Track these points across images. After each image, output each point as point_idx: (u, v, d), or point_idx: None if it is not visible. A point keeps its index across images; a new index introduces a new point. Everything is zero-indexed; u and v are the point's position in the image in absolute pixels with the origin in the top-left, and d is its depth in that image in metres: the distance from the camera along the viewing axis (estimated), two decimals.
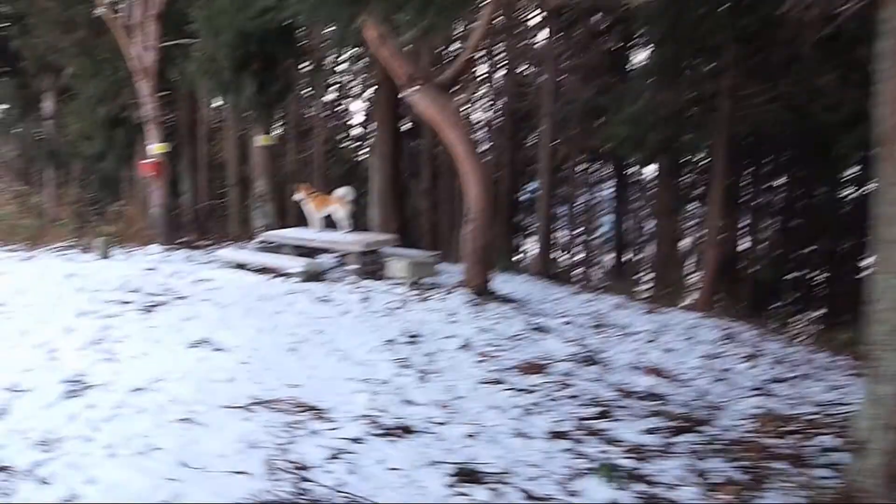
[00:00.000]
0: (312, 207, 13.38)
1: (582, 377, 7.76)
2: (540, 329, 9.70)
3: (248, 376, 6.71)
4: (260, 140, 17.30)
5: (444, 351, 8.15)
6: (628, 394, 7.38)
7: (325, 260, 14.06)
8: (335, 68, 19.44)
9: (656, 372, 8.37)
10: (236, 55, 14.10)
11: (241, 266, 12.92)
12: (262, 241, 14.79)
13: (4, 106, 22.43)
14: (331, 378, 6.91)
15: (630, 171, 25.57)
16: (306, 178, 27.17)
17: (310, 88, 25.56)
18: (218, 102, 20.76)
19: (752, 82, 13.10)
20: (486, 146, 26.27)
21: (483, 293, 10.98)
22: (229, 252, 13.39)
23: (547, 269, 15.73)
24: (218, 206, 23.39)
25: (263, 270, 12.67)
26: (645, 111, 12.56)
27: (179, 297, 9.98)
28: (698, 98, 13.04)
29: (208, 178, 23.24)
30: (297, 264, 11.98)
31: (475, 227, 10.84)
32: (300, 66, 18.47)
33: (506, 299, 11.19)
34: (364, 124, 32.90)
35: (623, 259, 25.69)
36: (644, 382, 7.92)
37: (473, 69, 14.78)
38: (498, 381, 7.29)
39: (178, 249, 16.20)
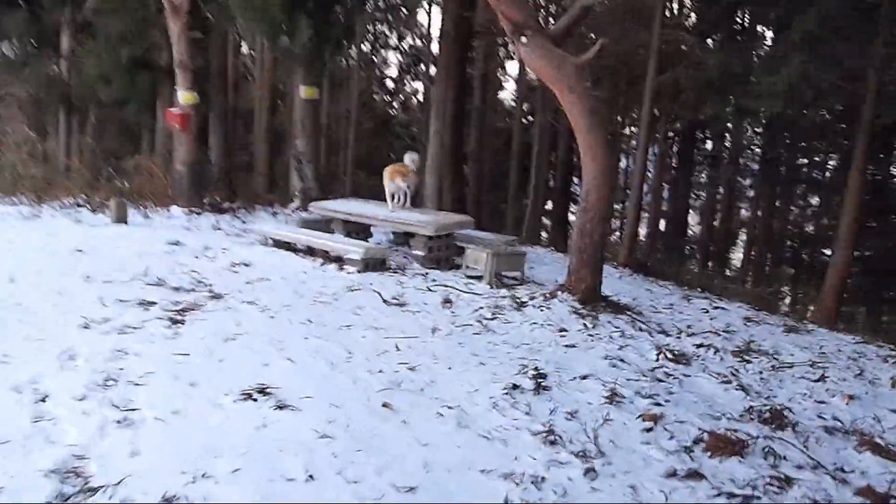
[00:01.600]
0: (385, 178, 10.90)
1: (789, 457, 5.31)
2: (678, 358, 7.27)
3: (336, 466, 4.27)
4: (303, 92, 14.74)
5: (588, 406, 5.68)
6: (872, 493, 4.93)
7: (381, 241, 11.63)
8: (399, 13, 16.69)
9: (871, 444, 5.92)
10: None
11: (282, 244, 10.45)
12: (304, 213, 12.33)
13: (14, 42, 19.65)
14: (457, 468, 4.46)
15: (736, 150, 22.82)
16: (337, 133, 24.65)
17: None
18: (251, 48, 18.21)
19: None
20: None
21: (590, 300, 8.53)
22: (271, 227, 10.91)
23: (634, 260, 13.31)
24: (247, 164, 20.81)
25: (310, 251, 10.21)
26: (800, 84, 10.02)
27: (215, 297, 7.54)
28: (845, 73, 10.47)
29: (236, 132, 20.68)
30: (355, 249, 9.50)
31: (591, 219, 8.35)
32: (365, 5, 15.78)
33: (616, 307, 8.73)
34: (402, 77, 30.37)
35: (710, 252, 23.00)
36: (868, 464, 5.48)
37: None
38: (694, 475, 4.83)
39: (203, 213, 13.78)
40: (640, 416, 5.54)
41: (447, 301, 8.30)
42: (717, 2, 14.63)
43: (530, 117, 27.66)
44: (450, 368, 6.08)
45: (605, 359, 6.86)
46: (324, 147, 21.95)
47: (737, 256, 25.74)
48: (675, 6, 16.10)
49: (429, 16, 24.34)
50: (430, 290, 8.79)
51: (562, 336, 7.49)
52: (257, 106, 21.39)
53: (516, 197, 23.87)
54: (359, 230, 11.16)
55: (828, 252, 23.21)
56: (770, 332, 9.18)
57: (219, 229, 12.60)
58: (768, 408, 6.20)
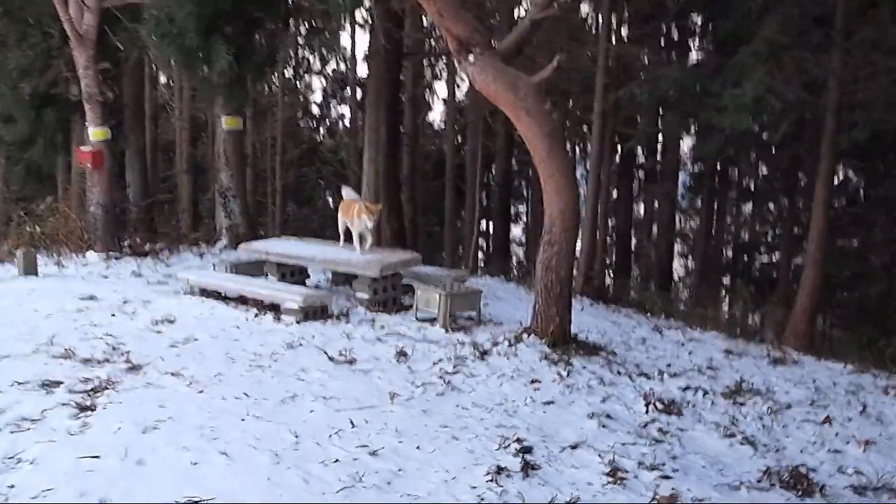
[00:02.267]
0: (345, 215, 9.78)
1: None
2: (668, 408, 6.39)
3: None
4: (225, 122, 13.58)
5: (589, 488, 4.71)
6: None
7: (320, 281, 10.56)
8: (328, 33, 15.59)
9: None
10: (204, 14, 10.33)
11: (211, 293, 9.30)
12: (233, 254, 11.21)
13: None
14: None
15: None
16: (263, 162, 23.44)
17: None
18: (169, 77, 17.00)
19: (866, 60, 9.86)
20: None
21: (560, 342, 7.59)
22: (197, 274, 9.71)
23: (592, 287, 12.36)
24: (169, 201, 19.44)
25: (241, 299, 9.09)
26: (767, 96, 9.25)
27: (134, 368, 6.38)
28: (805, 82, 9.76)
29: (154, 169, 19.34)
30: (293, 297, 8.41)
31: (557, 253, 7.43)
32: (288, 29, 14.62)
33: (588, 348, 7.82)
34: (326, 102, 29.29)
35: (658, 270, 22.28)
36: None
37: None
38: None
39: (123, 258, 12.54)
40: (654, 501, 4.57)
41: (402, 354, 7.27)
42: (660, 13, 13.91)
43: (459, 138, 26.82)
44: (418, 448, 5.05)
45: (592, 417, 5.93)
46: (250, 178, 20.77)
47: (680, 269, 25.19)
48: (621, 19, 15.31)
49: (352, 38, 23.29)
50: (380, 340, 7.75)
51: (535, 389, 6.55)
52: (178, 139, 20.09)
53: (452, 221, 22.94)
54: (294, 271, 10.06)
55: (765, 259, 22.94)
56: (756, 366, 8.37)
57: (139, 276, 11.39)
58: (786, 468, 5.32)
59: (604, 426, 5.74)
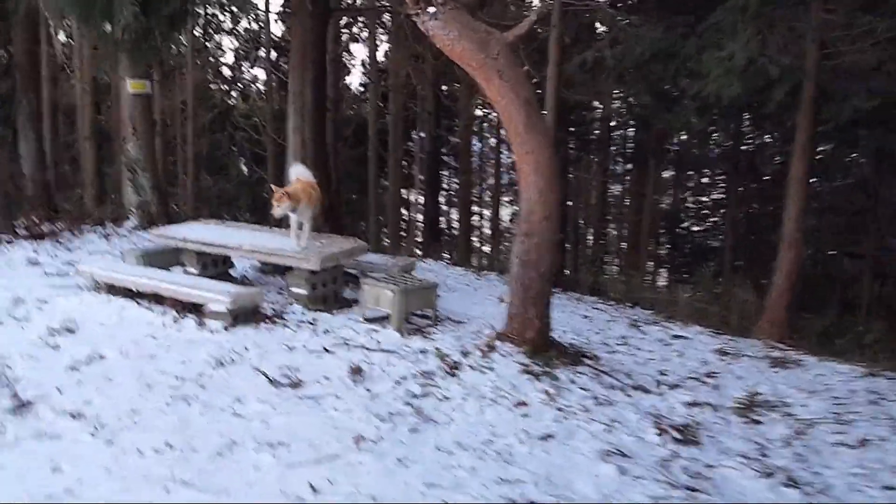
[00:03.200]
0: (307, 212, 7.89)
1: None
2: (684, 435, 5.27)
3: None
4: (130, 86, 11.89)
5: None
6: None
7: (245, 269, 9.13)
8: None
9: None
10: None
11: (118, 289, 7.78)
12: (146, 239, 9.69)
13: None
14: None
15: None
16: (173, 129, 21.55)
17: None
18: (68, 33, 15.08)
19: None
20: None
21: (540, 349, 6.38)
22: (102, 266, 8.11)
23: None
24: (71, 173, 17.44)
25: (156, 297, 7.59)
26: (759, 59, 8.10)
27: (22, 406, 4.91)
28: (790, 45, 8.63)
29: (55, 136, 17.31)
30: (219, 296, 6.97)
31: (537, 246, 6.19)
32: None
33: (569, 354, 6.62)
34: (238, 63, 27.35)
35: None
36: None
37: None
38: None
39: (17, 242, 10.83)
40: None
41: (356, 371, 5.95)
42: None
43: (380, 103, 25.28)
44: None
45: (605, 458, 4.74)
46: (159, 147, 18.90)
47: (614, 243, 24.28)
48: None
49: None
50: (327, 351, 6.41)
51: (524, 416, 5.35)
52: (79, 103, 18.05)
53: (374, 191, 21.52)
54: (217, 261, 8.60)
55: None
56: (757, 370, 7.33)
57: (36, 264, 9.75)
58: None
59: (623, 471, 4.55)
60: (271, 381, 5.61)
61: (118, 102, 13.14)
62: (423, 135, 23.07)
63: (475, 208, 25.62)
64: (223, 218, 15.36)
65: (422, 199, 28.08)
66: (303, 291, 7.70)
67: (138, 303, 7.58)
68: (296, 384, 5.61)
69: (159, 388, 5.36)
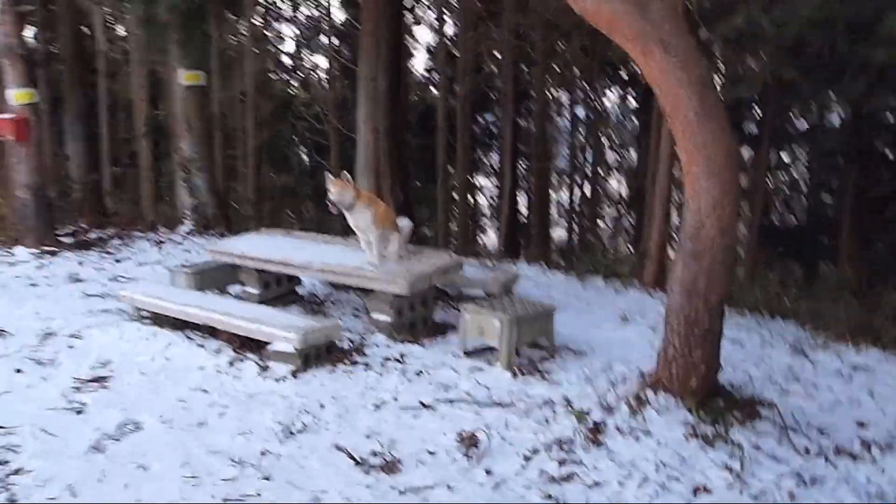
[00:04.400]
0: (369, 217, 6.19)
1: None
2: None
3: None
4: (183, 77, 10.46)
5: None
6: None
7: (315, 286, 7.62)
8: None
9: None
10: None
11: (164, 319, 6.32)
12: (195, 261, 8.28)
13: None
14: None
15: None
16: (232, 122, 20.16)
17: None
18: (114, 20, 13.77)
19: None
20: None
21: (707, 400, 4.72)
22: (145, 291, 6.63)
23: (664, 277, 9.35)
24: (124, 175, 16.12)
25: (210, 329, 6.10)
26: None
27: None
28: None
29: (113, 134, 16.00)
30: (286, 333, 5.44)
31: (709, 268, 4.52)
32: None
33: (739, 404, 4.91)
34: (298, 51, 25.88)
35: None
36: None
37: None
38: None
39: (60, 253, 9.55)
40: None
41: (469, 441, 4.36)
42: None
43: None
44: None
45: None
46: (219, 141, 17.56)
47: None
48: None
49: None
50: (424, 406, 4.84)
51: None
52: (135, 98, 16.72)
53: (444, 182, 19.90)
54: (281, 279, 7.09)
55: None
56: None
57: (78, 280, 8.44)
58: None
59: None
60: (358, 463, 4.06)
61: (170, 98, 11.73)
62: (495, 119, 21.43)
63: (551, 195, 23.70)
64: (288, 222, 13.94)
65: (491, 187, 26.45)
66: (386, 318, 6.15)
67: (188, 337, 6.12)
68: (391, 466, 4.05)
69: (209, 481, 3.84)
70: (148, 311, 6.49)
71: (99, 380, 5.24)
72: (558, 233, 24.28)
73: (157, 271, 8.91)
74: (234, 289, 7.41)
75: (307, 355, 5.44)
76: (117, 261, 9.61)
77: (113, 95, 17.56)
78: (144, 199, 14.35)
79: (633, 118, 25.70)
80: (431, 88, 25.43)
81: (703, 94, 4.26)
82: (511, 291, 7.12)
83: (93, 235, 10.83)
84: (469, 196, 22.37)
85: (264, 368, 5.43)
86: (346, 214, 6.22)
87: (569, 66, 20.75)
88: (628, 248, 9.71)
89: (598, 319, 6.98)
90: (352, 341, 6.05)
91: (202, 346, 5.93)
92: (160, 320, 6.40)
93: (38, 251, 9.51)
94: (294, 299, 7.29)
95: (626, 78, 22.86)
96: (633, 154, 26.06)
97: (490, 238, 28.54)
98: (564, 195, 24.73)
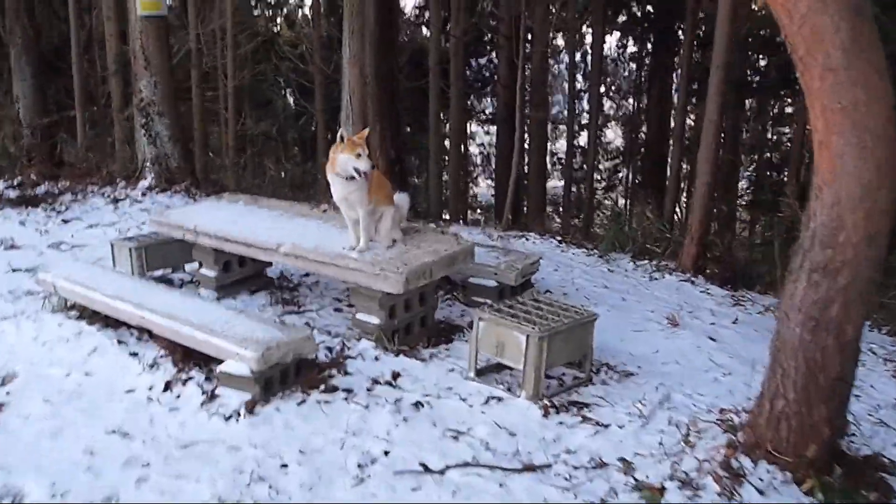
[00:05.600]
0: (360, 187, 4.64)
1: None
2: None
3: None
4: (140, 6, 8.78)
5: None
6: None
7: (287, 272, 6.09)
8: None
9: None
10: None
11: (94, 313, 4.81)
12: (144, 231, 6.70)
13: None
14: None
15: None
16: (211, 60, 18.27)
17: None
18: None
19: None
20: None
21: (827, 471, 3.26)
22: (72, 278, 5.05)
23: (704, 259, 7.59)
24: (94, 119, 14.22)
25: (149, 332, 4.58)
26: None
27: None
28: None
29: (90, 73, 14.18)
30: (240, 349, 3.93)
31: (844, 294, 3.01)
32: None
33: (869, 479, 3.45)
34: None
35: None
36: None
37: None
38: None
39: (2, 208, 8.10)
40: None
41: None
42: None
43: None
44: None
45: None
46: (195, 78, 15.78)
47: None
48: None
49: None
50: (426, 470, 3.37)
51: None
52: (107, 33, 14.82)
53: (436, 131, 18.23)
54: (243, 259, 5.55)
55: None
56: None
57: (13, 248, 6.94)
58: None
59: None
60: None
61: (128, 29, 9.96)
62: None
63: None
64: (268, 180, 12.34)
65: (486, 139, 24.82)
66: (375, 320, 4.65)
67: (120, 341, 4.62)
68: None
69: None
70: (79, 304, 4.98)
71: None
72: (552, 184, 22.75)
73: (108, 236, 7.42)
74: (192, 267, 5.90)
75: (268, 380, 3.96)
76: (65, 221, 8.13)
77: (90, 32, 15.73)
78: (103, 149, 12.58)
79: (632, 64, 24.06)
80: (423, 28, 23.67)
81: (855, 27, 2.73)
82: (531, 282, 5.64)
83: (41, 190, 9.26)
84: (462, 146, 20.70)
85: (211, 397, 3.94)
86: (333, 181, 4.69)
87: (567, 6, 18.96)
88: (646, 216, 8.02)
89: (638, 319, 5.51)
90: (330, 350, 4.57)
91: (136, 354, 4.45)
92: (89, 314, 4.89)
93: None
94: (261, 284, 5.78)
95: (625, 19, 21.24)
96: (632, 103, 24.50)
97: (481, 188, 26.98)
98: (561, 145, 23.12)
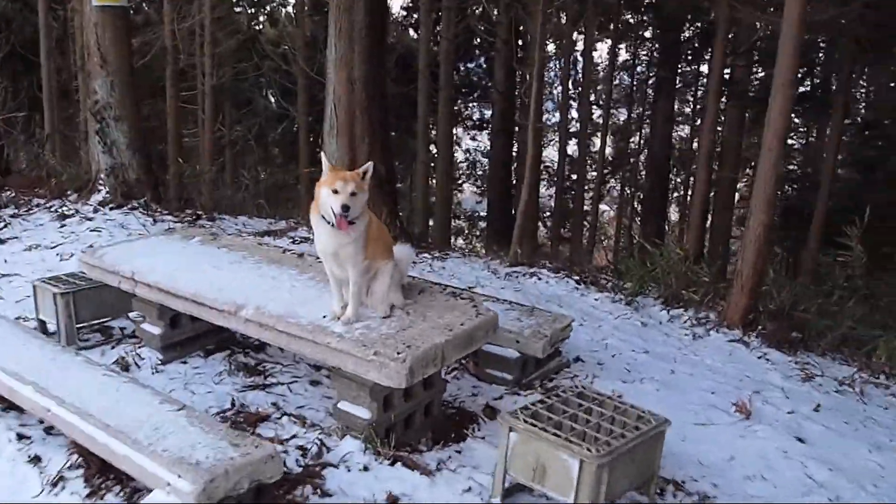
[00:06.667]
0: (349, 253, 3.33)
1: None
2: None
3: None
4: None
5: None
6: None
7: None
8: None
9: None
10: None
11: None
12: (79, 271, 5.32)
13: None
14: None
15: None
16: (189, 58, 16.90)
17: None
18: None
19: None
20: None
21: None
22: None
23: (757, 312, 6.17)
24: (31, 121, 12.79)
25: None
26: None
27: None
28: None
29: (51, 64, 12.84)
30: (172, 479, 2.64)
31: None
32: None
33: None
34: None
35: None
36: None
37: None
38: None
39: None
40: None
41: None
42: None
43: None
44: None
45: None
46: (169, 76, 14.47)
47: None
48: None
49: None
50: None
51: None
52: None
53: (425, 137, 17.03)
54: (175, 320, 4.26)
55: None
56: None
57: None
58: None
59: None
60: None
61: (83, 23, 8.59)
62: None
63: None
64: (234, 194, 11.04)
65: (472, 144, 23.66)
66: (364, 414, 3.38)
67: (21, 435, 3.33)
68: None
69: None
70: None
71: None
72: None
73: (46, 263, 6.16)
74: (137, 313, 4.61)
75: None
76: (0, 241, 6.79)
77: (49, 27, 14.32)
78: (53, 155, 11.16)
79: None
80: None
81: None
82: (559, 351, 4.39)
83: None
84: (451, 153, 19.50)
85: None
86: (317, 228, 3.41)
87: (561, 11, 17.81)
88: (678, 252, 6.65)
89: (697, 403, 4.25)
90: (303, 452, 3.30)
91: (38, 459, 3.17)
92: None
93: None
94: (218, 342, 4.48)
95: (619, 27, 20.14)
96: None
97: (465, 195, 25.77)
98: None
